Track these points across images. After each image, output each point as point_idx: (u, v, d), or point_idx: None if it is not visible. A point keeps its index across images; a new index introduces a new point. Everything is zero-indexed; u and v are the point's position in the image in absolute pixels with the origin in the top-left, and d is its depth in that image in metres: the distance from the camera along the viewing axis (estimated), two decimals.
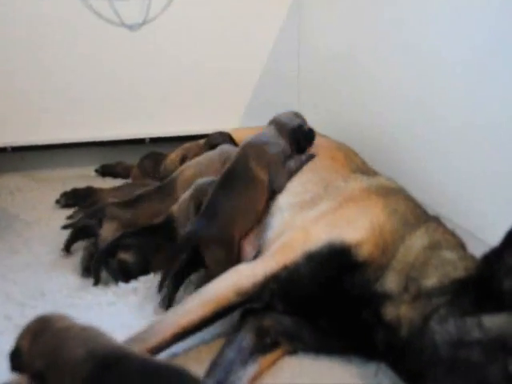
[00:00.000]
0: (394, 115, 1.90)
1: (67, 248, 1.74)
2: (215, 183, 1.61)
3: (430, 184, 1.63)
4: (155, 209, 1.73)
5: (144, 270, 1.60)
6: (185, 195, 1.69)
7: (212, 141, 2.05)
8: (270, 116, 2.13)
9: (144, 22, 2.15)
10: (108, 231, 1.65)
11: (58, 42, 2.41)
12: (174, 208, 1.67)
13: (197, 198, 1.64)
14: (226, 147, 1.93)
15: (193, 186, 1.70)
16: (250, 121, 2.53)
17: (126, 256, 1.57)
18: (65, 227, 1.79)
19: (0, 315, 1.42)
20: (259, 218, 1.57)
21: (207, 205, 1.54)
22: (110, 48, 2.46)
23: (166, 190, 1.81)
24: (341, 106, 2.32)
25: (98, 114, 2.52)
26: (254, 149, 1.65)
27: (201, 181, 1.70)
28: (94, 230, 1.68)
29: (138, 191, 1.84)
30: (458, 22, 1.57)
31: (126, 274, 1.57)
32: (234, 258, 1.49)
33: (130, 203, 1.75)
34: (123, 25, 2.12)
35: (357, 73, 2.17)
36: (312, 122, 2.26)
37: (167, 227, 1.64)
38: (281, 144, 1.68)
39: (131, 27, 2.12)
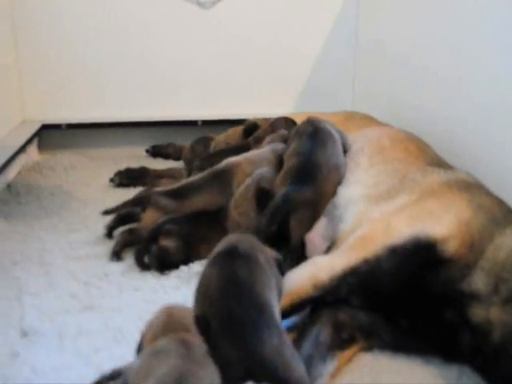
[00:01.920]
0: (459, 105, 1.82)
1: (109, 233, 1.68)
2: (304, 147, 1.60)
3: (505, 179, 1.55)
4: (207, 201, 1.64)
5: (186, 259, 1.53)
6: (245, 184, 1.62)
7: (277, 126, 1.98)
8: (323, 102, 2.10)
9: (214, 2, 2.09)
10: (149, 220, 1.59)
11: (126, 20, 2.38)
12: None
13: (258, 187, 1.58)
14: (276, 146, 1.85)
15: (253, 176, 1.63)
16: (303, 107, 2.48)
17: (167, 243, 1.51)
18: (106, 212, 1.73)
19: (66, 294, 1.39)
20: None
21: (300, 169, 1.54)
22: (163, 27, 2.42)
23: (222, 182, 1.69)
24: (396, 95, 2.24)
25: (151, 93, 2.49)
26: None
27: (260, 170, 1.65)
28: (137, 217, 1.63)
29: (187, 180, 1.75)
30: None
31: (166, 261, 1.51)
32: (318, 218, 1.50)
33: (179, 192, 1.65)
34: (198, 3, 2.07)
35: (414, 63, 2.09)
36: (367, 109, 2.21)
37: (219, 216, 1.59)
38: None
39: (204, 4, 2.07)
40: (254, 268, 1.07)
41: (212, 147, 2.17)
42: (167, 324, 0.98)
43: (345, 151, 1.72)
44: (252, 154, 1.82)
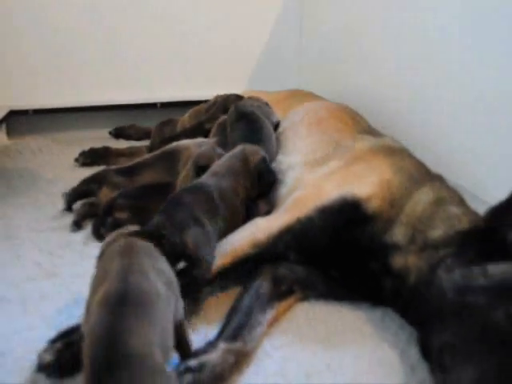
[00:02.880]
0: (394, 81, 1.84)
1: (68, 207, 1.66)
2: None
3: (429, 144, 1.59)
4: (155, 178, 1.64)
5: None
6: (187, 166, 1.61)
7: (230, 101, 1.96)
8: (272, 82, 2.09)
9: None
10: (104, 195, 1.59)
11: (85, 9, 2.31)
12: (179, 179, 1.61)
13: (196, 165, 1.56)
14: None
15: (193, 157, 1.62)
16: (254, 86, 2.47)
17: (120, 215, 1.50)
18: (66, 194, 1.69)
19: (31, 262, 1.38)
20: None
21: None
22: (124, 13, 2.35)
23: (169, 161, 1.69)
24: (340, 72, 2.24)
25: (112, 79, 2.43)
26: None
27: (199, 150, 1.63)
28: (95, 194, 1.63)
29: (138, 158, 1.75)
30: None
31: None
32: None
33: (131, 170, 1.67)
34: None
35: (356, 42, 2.09)
36: (310, 87, 2.21)
37: (167, 190, 1.54)
38: None
39: None
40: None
41: (178, 127, 2.14)
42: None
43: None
44: (201, 139, 1.81)
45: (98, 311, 0.78)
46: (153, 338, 0.75)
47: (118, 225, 1.45)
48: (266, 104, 1.85)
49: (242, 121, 1.69)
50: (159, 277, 0.88)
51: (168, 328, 0.83)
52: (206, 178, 1.39)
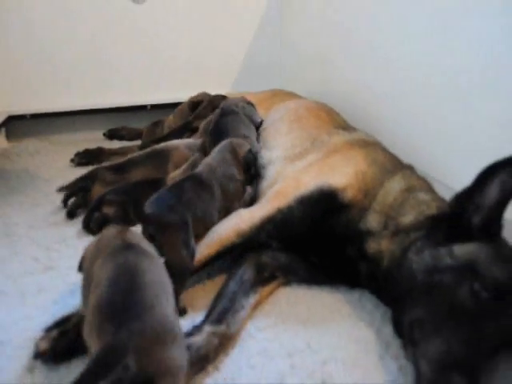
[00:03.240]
0: (365, 80, 1.86)
1: (65, 203, 1.68)
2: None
3: (400, 138, 1.61)
4: (145, 175, 1.65)
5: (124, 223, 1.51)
6: (182, 167, 1.61)
7: (216, 101, 1.98)
8: (255, 84, 2.11)
9: None
10: (96, 191, 1.61)
11: (75, 18, 2.33)
12: (170, 176, 1.60)
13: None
14: None
15: (190, 160, 1.63)
16: (239, 87, 2.50)
17: (108, 210, 1.51)
18: (61, 189, 1.73)
19: (29, 257, 1.39)
20: None
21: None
22: (114, 23, 2.37)
23: (159, 160, 1.70)
24: (317, 72, 2.26)
25: (104, 84, 2.44)
26: None
27: (195, 155, 1.64)
28: (89, 190, 1.65)
29: (129, 156, 1.77)
30: None
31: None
32: None
33: (121, 167, 1.68)
34: None
35: (331, 46, 2.11)
36: (293, 87, 2.23)
37: (154, 188, 1.51)
38: None
39: (137, 0, 2.03)
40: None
41: (165, 127, 2.16)
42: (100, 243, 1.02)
43: (255, 124, 1.80)
44: (188, 140, 1.84)
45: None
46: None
47: (105, 220, 1.48)
48: (250, 104, 1.87)
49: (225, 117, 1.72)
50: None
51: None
52: (201, 170, 1.41)
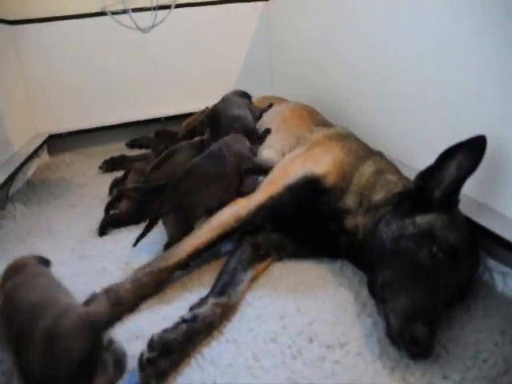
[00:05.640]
0: (346, 84, 1.83)
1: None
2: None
3: (374, 130, 1.58)
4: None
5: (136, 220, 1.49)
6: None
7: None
8: (250, 91, 2.10)
9: (153, 26, 2.05)
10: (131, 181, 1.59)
11: (95, 46, 2.34)
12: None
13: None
14: None
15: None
16: None
17: (124, 205, 1.48)
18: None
19: (66, 249, 1.40)
20: None
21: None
22: (130, 50, 2.37)
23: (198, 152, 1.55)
24: (303, 80, 2.23)
25: (124, 102, 2.44)
26: None
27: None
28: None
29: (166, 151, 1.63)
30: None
31: (118, 222, 1.49)
32: None
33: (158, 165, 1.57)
34: (137, 28, 2.02)
35: (314, 58, 2.07)
36: (282, 93, 2.22)
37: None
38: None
39: (144, 30, 2.03)
40: None
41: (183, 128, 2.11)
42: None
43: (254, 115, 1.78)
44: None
45: None
46: None
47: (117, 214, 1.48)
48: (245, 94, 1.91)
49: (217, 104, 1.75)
50: None
51: None
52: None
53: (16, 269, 0.97)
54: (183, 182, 1.31)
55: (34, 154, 2.08)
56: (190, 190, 1.30)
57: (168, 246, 1.24)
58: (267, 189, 1.28)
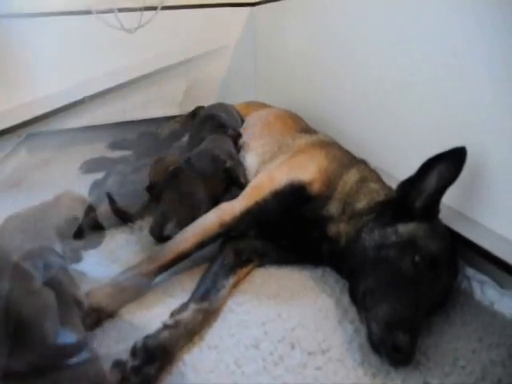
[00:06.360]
0: (330, 92, 1.84)
1: None
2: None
3: (355, 138, 1.60)
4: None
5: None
6: None
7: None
8: (235, 97, 2.11)
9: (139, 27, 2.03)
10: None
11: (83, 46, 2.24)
12: None
13: None
14: None
15: None
16: (219, 100, 2.46)
17: (114, 207, 1.45)
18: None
19: None
20: None
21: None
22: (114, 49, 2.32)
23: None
24: (286, 85, 2.25)
25: (105, 102, 2.39)
26: None
27: None
28: None
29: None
30: None
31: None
32: None
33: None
34: (123, 28, 2.01)
35: (299, 64, 2.08)
36: (266, 98, 2.23)
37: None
38: None
39: (129, 30, 2.01)
40: None
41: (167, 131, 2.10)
42: None
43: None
44: None
45: None
46: None
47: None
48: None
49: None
50: None
51: None
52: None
53: None
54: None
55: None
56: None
57: (152, 230, 1.29)
58: (252, 194, 1.28)
